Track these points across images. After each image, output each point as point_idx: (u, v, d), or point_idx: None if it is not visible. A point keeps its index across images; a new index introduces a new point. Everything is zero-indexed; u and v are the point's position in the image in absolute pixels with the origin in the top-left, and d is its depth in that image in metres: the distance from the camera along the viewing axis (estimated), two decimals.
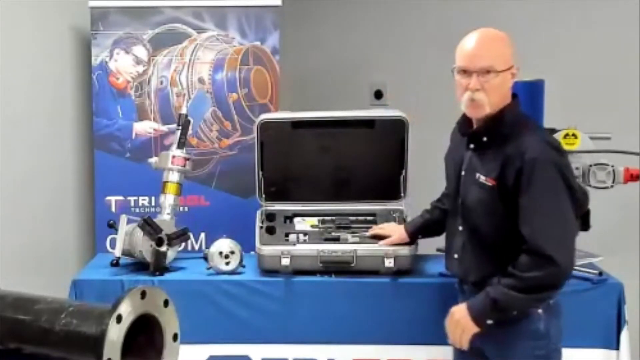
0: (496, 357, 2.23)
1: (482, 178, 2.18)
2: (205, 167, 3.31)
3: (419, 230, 2.63)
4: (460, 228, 2.28)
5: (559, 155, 2.14)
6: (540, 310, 2.16)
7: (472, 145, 2.25)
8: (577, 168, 2.66)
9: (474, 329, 2.15)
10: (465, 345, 2.18)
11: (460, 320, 2.17)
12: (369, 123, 2.95)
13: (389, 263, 2.59)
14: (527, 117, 2.27)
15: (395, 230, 2.67)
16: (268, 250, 2.66)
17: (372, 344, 2.62)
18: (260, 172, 2.93)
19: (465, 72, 2.16)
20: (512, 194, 2.12)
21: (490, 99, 2.15)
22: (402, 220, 2.82)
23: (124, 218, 2.73)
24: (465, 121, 2.30)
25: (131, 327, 1.28)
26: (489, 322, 2.13)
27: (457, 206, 2.29)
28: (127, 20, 3.28)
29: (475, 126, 2.25)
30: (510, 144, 2.13)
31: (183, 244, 2.85)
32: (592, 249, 2.81)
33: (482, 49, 2.15)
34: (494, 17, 3.91)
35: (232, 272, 2.70)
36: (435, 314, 2.51)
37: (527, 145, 2.10)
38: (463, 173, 2.27)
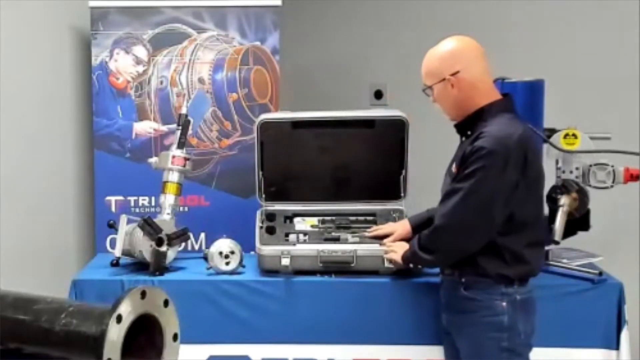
0: (466, 351, 2.35)
1: (453, 166, 2.34)
2: (205, 167, 3.31)
3: (422, 225, 2.64)
4: None
5: (506, 151, 2.19)
6: (504, 304, 2.27)
7: (463, 139, 2.37)
8: (577, 168, 2.67)
9: (399, 259, 2.50)
10: (386, 261, 2.59)
11: (398, 250, 2.53)
12: (369, 123, 2.95)
13: (389, 263, 2.59)
14: (509, 113, 2.31)
15: (397, 227, 2.70)
16: (268, 250, 2.66)
17: (372, 344, 2.62)
18: (260, 172, 2.93)
19: None
20: None
21: (441, 107, 2.37)
22: None
23: (124, 218, 2.73)
24: None
25: (131, 327, 1.28)
26: (410, 265, 2.48)
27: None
28: (127, 20, 3.28)
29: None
30: (474, 137, 2.25)
31: (183, 244, 2.85)
32: (592, 249, 2.81)
33: (422, 68, 2.38)
34: (494, 18, 3.94)
35: (232, 272, 2.70)
36: (435, 315, 2.52)
37: (482, 136, 2.22)
38: (449, 165, 2.42)
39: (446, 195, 2.28)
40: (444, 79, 2.30)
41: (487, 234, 2.24)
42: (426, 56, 2.37)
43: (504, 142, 2.20)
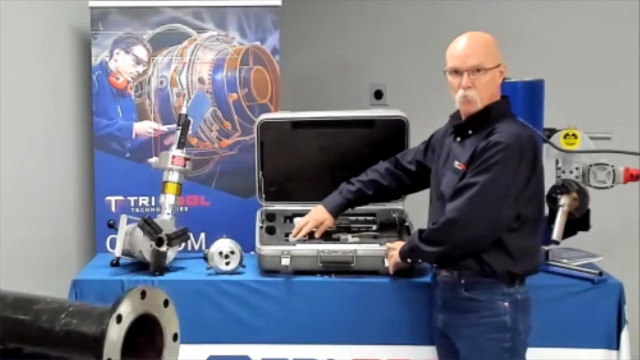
0: (467, 352, 2.34)
1: (457, 163, 2.32)
2: (205, 167, 3.31)
3: (340, 211, 2.72)
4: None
5: (521, 146, 2.22)
6: (506, 304, 2.27)
7: (458, 138, 2.36)
8: (577, 168, 2.67)
9: (397, 259, 2.49)
10: (390, 268, 2.56)
11: (393, 252, 2.53)
12: (368, 123, 2.95)
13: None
14: (512, 115, 2.36)
15: (320, 217, 2.68)
16: (268, 250, 2.66)
17: (372, 344, 2.62)
18: (260, 172, 2.93)
19: (456, 72, 2.30)
20: None
21: (480, 95, 2.29)
22: (402, 220, 2.82)
23: (124, 218, 2.73)
24: (457, 117, 2.43)
25: (131, 327, 1.28)
26: (409, 260, 2.45)
27: (439, 194, 2.40)
28: (127, 20, 3.27)
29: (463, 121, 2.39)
30: (486, 133, 2.26)
31: (183, 244, 2.85)
32: (592, 249, 2.81)
33: (471, 49, 2.29)
34: (494, 18, 3.94)
35: (232, 272, 2.70)
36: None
37: (496, 132, 2.23)
38: (444, 162, 2.40)
39: (460, 190, 2.26)
40: (499, 65, 2.30)
41: (499, 229, 2.25)
42: (478, 38, 2.32)
43: (519, 138, 2.23)
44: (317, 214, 2.70)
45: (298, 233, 2.70)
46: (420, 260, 2.48)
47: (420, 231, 2.38)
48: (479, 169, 2.23)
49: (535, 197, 2.29)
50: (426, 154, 2.59)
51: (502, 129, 2.23)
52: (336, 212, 2.71)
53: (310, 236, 2.71)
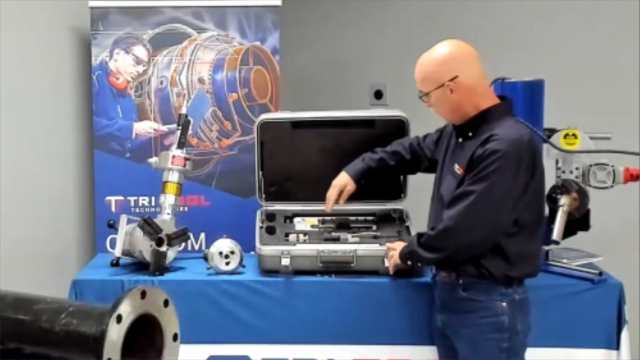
0: (465, 352, 2.35)
1: (456, 167, 2.32)
2: (205, 167, 3.31)
3: (361, 176, 2.70)
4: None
5: (520, 153, 2.20)
6: (504, 304, 2.27)
7: (460, 139, 2.36)
8: (577, 168, 2.67)
9: (397, 261, 2.50)
10: (390, 268, 2.56)
11: (393, 252, 2.53)
12: (369, 123, 2.95)
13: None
14: (512, 116, 2.34)
15: (343, 182, 2.68)
16: (268, 250, 2.66)
17: (372, 344, 2.62)
18: (260, 172, 2.93)
19: None
20: None
21: (438, 112, 2.36)
22: (402, 220, 2.82)
23: (124, 218, 2.73)
24: None
25: (131, 327, 1.28)
26: (409, 263, 2.46)
27: (439, 196, 2.40)
28: (127, 20, 3.28)
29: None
30: (485, 137, 2.24)
31: (183, 244, 2.85)
32: (592, 249, 2.81)
33: (416, 75, 2.35)
34: (494, 18, 3.95)
35: (232, 272, 2.70)
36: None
37: (494, 138, 2.21)
38: (445, 163, 2.41)
39: (457, 197, 2.25)
40: (442, 85, 2.27)
41: (496, 236, 2.24)
42: (420, 62, 2.34)
43: (517, 145, 2.20)
44: (338, 180, 2.70)
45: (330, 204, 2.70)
46: (418, 264, 2.50)
47: (419, 235, 2.38)
48: (476, 177, 2.22)
49: (534, 202, 2.28)
50: (436, 146, 2.59)
51: (500, 134, 2.21)
52: (358, 177, 2.69)
53: (310, 237, 2.71)
